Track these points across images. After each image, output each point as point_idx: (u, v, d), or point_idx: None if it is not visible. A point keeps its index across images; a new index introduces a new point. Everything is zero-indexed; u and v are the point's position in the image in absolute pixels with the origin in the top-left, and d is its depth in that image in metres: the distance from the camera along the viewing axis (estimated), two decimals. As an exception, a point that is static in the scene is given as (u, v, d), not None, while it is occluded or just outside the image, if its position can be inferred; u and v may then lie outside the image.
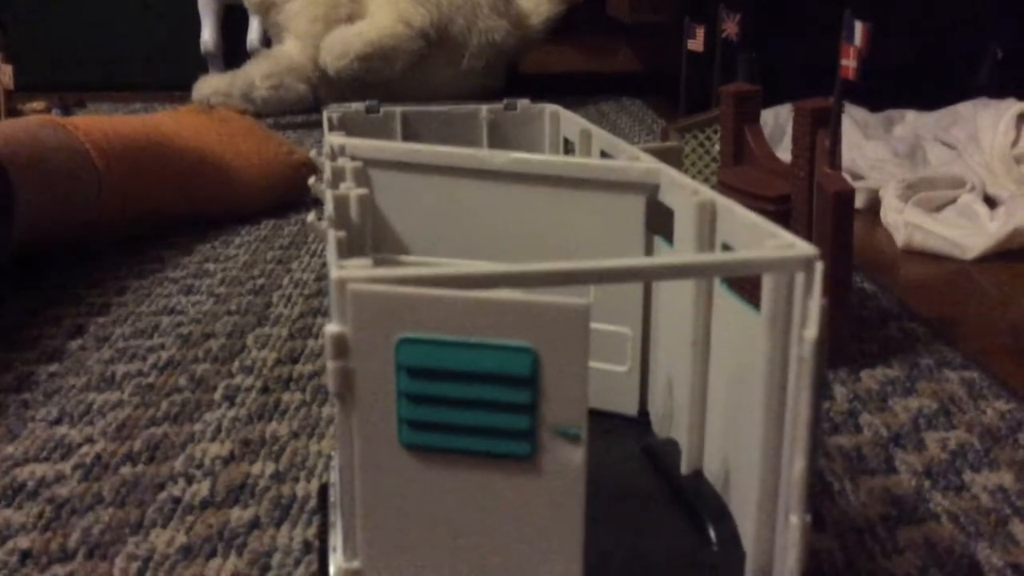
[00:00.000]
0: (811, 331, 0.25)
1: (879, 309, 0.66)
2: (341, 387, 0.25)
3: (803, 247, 0.27)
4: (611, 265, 0.26)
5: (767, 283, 0.28)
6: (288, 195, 0.91)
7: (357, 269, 0.25)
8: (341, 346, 0.25)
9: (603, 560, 0.31)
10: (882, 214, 0.87)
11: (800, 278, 0.27)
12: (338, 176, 0.38)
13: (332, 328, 0.24)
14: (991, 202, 0.87)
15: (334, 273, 0.24)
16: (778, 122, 1.12)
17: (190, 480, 0.46)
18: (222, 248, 0.80)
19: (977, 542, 0.40)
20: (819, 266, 0.26)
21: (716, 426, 0.35)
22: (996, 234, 0.79)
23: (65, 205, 0.73)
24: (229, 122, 0.93)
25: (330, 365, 0.25)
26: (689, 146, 0.73)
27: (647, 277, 0.27)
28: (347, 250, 0.29)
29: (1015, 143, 0.97)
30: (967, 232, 0.80)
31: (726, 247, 0.33)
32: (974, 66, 1.41)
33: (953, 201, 0.88)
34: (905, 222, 0.82)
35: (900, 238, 0.82)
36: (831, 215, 0.53)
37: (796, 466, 0.26)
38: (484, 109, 0.55)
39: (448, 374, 0.24)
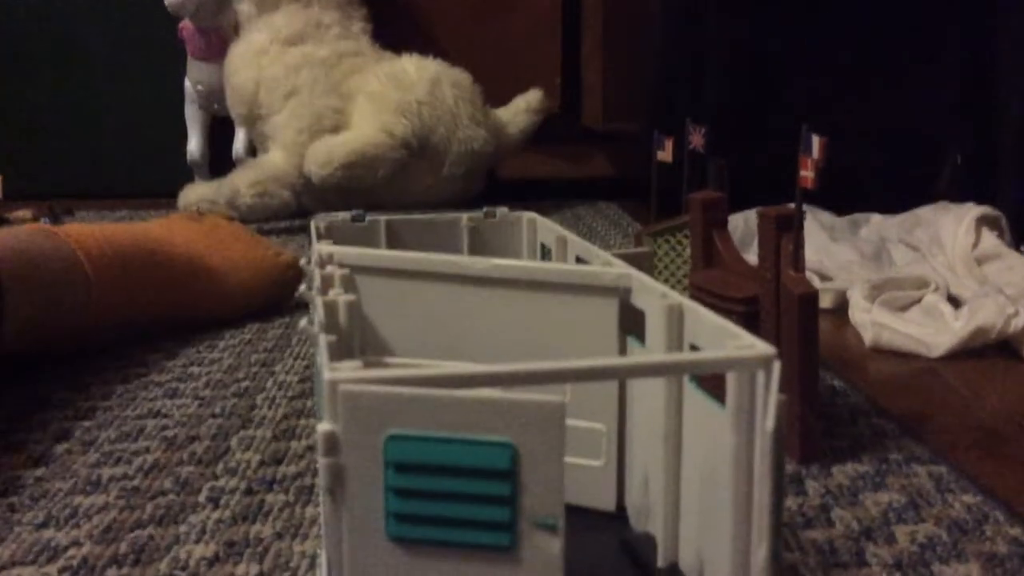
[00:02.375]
0: (770, 422, 0.27)
1: (848, 406, 0.68)
2: (332, 483, 0.26)
3: (762, 347, 0.29)
4: (586, 365, 0.28)
5: (731, 380, 0.30)
6: (274, 297, 0.93)
7: (348, 371, 0.27)
8: (332, 443, 0.26)
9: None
10: (850, 314, 0.90)
11: (761, 375, 0.29)
12: (327, 283, 0.40)
13: (324, 427, 0.26)
14: (955, 301, 0.90)
15: (327, 375, 0.26)
16: (748, 226, 1.16)
17: (175, 582, 0.46)
18: (207, 351, 0.82)
19: (946, 632, 0.41)
20: (776, 364, 0.28)
21: (690, 518, 0.36)
22: (960, 332, 0.81)
23: (55, 312, 0.74)
24: (218, 228, 0.95)
25: (322, 461, 0.26)
26: (661, 250, 0.76)
27: (620, 376, 0.29)
28: (337, 353, 0.31)
29: (975, 245, 1.01)
30: (933, 331, 0.83)
31: (693, 347, 0.35)
32: (935, 171, 1.47)
33: (918, 301, 0.91)
34: (872, 321, 0.85)
35: (868, 337, 0.84)
36: (797, 315, 0.55)
37: (761, 549, 0.28)
38: (465, 217, 0.58)
39: (433, 469, 0.26)
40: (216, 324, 0.88)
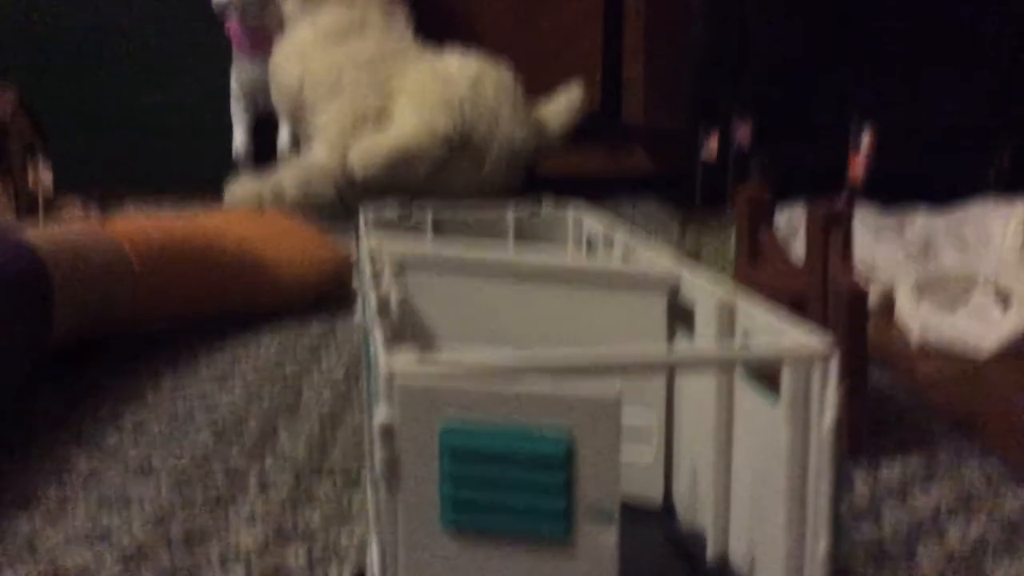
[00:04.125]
0: (829, 417, 0.27)
1: (895, 405, 0.67)
2: (388, 472, 0.27)
3: (819, 340, 0.29)
4: (640, 356, 0.28)
5: (786, 374, 0.30)
6: (331, 292, 0.94)
7: (405, 362, 0.27)
8: (389, 434, 0.27)
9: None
10: (897, 312, 0.89)
11: (817, 370, 0.29)
12: (378, 276, 0.40)
13: (381, 417, 0.26)
14: (1004, 300, 0.89)
15: (384, 367, 0.26)
16: (791, 222, 1.15)
17: (226, 567, 0.47)
18: (254, 342, 0.83)
19: (999, 632, 0.41)
20: (834, 358, 0.28)
21: (740, 513, 0.36)
22: (1009, 331, 0.80)
23: (101, 305, 0.76)
24: (276, 222, 0.96)
25: (378, 453, 0.27)
26: (705, 246, 0.75)
27: (675, 367, 0.29)
28: (392, 345, 0.31)
29: (1025, 243, 0.99)
30: (981, 330, 0.82)
31: (746, 340, 0.35)
32: (983, 166, 1.45)
33: (966, 299, 0.89)
34: (920, 319, 0.84)
35: (915, 335, 0.83)
36: (846, 315, 0.55)
37: (820, 545, 0.28)
38: (510, 212, 0.58)
39: (488, 457, 0.26)
40: (265, 316, 0.89)
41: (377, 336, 0.30)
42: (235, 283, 0.87)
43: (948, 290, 0.90)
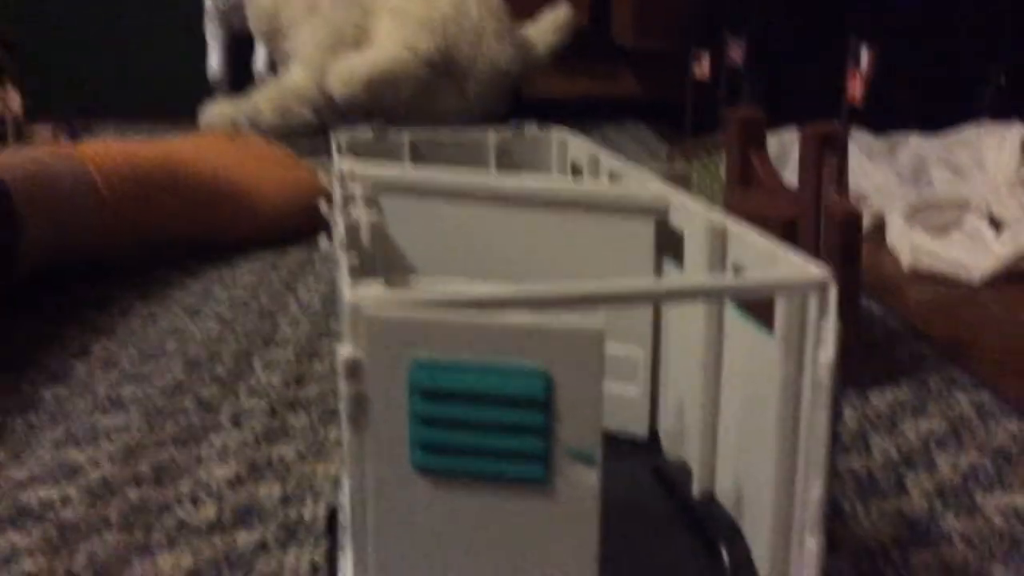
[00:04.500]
0: (827, 353, 0.25)
1: (886, 331, 0.66)
2: (354, 411, 0.25)
3: (816, 269, 0.27)
4: (626, 288, 0.26)
5: (780, 305, 0.28)
6: (309, 219, 0.91)
7: (371, 293, 0.25)
8: (354, 370, 0.25)
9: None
10: (888, 237, 0.87)
11: (813, 300, 0.27)
12: (349, 201, 0.38)
13: (346, 352, 0.24)
14: (996, 224, 0.87)
15: (348, 298, 0.24)
16: (782, 146, 1.13)
17: (197, 503, 0.45)
18: (228, 271, 0.81)
19: (992, 564, 0.40)
20: (833, 288, 0.26)
21: (728, 448, 0.35)
22: (1003, 256, 0.79)
23: (68, 232, 0.73)
24: (251, 148, 0.93)
25: (343, 389, 0.25)
26: (695, 171, 0.73)
27: (662, 299, 0.27)
28: (359, 274, 0.29)
29: (1020, 166, 0.97)
30: (974, 254, 0.80)
31: (737, 269, 0.33)
32: (978, 90, 1.42)
33: (959, 223, 0.88)
34: (911, 244, 0.82)
35: (906, 260, 0.82)
36: (839, 239, 0.53)
37: (813, 489, 0.26)
38: (492, 134, 0.55)
39: (461, 396, 0.24)
40: (241, 245, 0.87)
41: (343, 265, 0.28)
42: (208, 210, 0.85)
43: (941, 215, 0.88)
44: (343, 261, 0.28)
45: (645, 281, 0.26)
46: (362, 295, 0.24)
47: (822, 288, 0.26)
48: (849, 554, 0.40)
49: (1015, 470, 0.47)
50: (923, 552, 0.41)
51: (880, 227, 0.90)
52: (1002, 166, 0.98)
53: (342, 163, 0.43)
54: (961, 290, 0.76)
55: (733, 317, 0.33)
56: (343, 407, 0.25)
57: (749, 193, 0.63)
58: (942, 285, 0.77)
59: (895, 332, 0.65)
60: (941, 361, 0.60)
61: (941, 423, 0.52)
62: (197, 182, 0.84)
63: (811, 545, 0.27)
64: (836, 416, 0.25)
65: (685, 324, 0.37)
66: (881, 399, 0.55)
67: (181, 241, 0.84)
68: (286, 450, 0.50)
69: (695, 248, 0.35)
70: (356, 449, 0.25)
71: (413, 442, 0.25)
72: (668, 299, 0.27)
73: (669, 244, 0.39)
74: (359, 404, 0.25)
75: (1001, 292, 0.75)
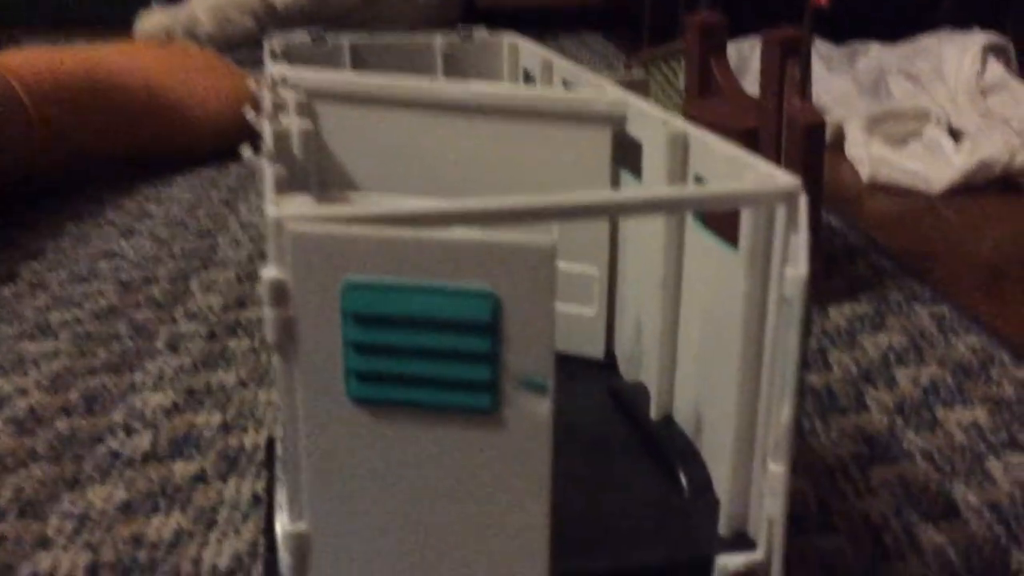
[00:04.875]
0: (800, 268, 0.23)
1: (846, 245, 0.64)
2: (281, 337, 0.23)
3: (785, 179, 0.25)
4: (579, 200, 0.23)
5: (746, 218, 0.26)
6: (247, 134, 0.87)
7: (297, 207, 0.22)
8: (280, 292, 0.22)
9: (569, 510, 0.29)
10: (847, 148, 0.85)
11: (782, 212, 0.25)
12: (279, 108, 0.35)
13: (269, 273, 0.22)
14: (956, 135, 0.86)
15: (271, 211, 0.22)
16: (740, 55, 1.10)
17: (130, 433, 0.43)
18: (165, 188, 0.77)
19: (953, 481, 0.39)
20: (803, 198, 0.24)
21: (687, 369, 0.33)
22: (962, 167, 0.78)
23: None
24: (186, 56, 0.88)
25: (268, 314, 0.22)
26: (653, 79, 0.70)
27: (619, 212, 0.25)
28: (287, 188, 0.27)
29: (980, 75, 0.96)
30: (933, 165, 0.79)
31: (699, 181, 0.30)
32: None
33: (918, 134, 0.86)
34: (870, 156, 0.81)
35: (865, 172, 0.80)
36: (801, 148, 0.51)
37: (784, 413, 0.24)
38: (438, 39, 0.52)
39: (400, 321, 0.22)
40: (178, 160, 0.83)
41: (267, 176, 0.25)
42: (142, 123, 0.80)
43: (900, 126, 0.87)
44: (268, 172, 0.25)
45: (601, 193, 0.24)
46: (287, 210, 0.22)
47: (791, 199, 0.24)
48: (808, 472, 0.39)
49: (975, 385, 0.47)
50: (883, 469, 0.40)
51: (839, 139, 0.88)
52: (962, 76, 0.97)
53: (273, 68, 0.39)
54: (920, 202, 0.75)
55: (694, 232, 0.31)
56: (269, 334, 0.22)
57: (709, 102, 0.61)
58: (901, 197, 0.76)
59: (854, 245, 0.64)
60: (901, 275, 0.59)
61: (901, 338, 0.51)
62: (129, 94, 0.79)
63: (779, 471, 0.25)
64: (806, 335, 0.23)
65: (643, 241, 0.35)
66: (840, 314, 0.54)
67: (113, 157, 0.80)
68: (226, 376, 0.48)
69: (654, 158, 0.33)
70: (286, 380, 0.23)
71: (348, 371, 0.23)
72: (626, 212, 0.25)
73: (627, 157, 0.37)
74: (287, 330, 0.23)
75: (960, 204, 0.74)
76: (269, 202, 0.23)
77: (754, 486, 0.28)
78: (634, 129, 0.35)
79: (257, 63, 1.29)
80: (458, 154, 0.40)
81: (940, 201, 0.75)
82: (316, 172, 0.36)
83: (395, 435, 0.23)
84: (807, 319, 0.23)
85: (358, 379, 0.23)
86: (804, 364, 0.24)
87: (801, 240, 0.23)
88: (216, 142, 0.84)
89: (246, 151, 0.28)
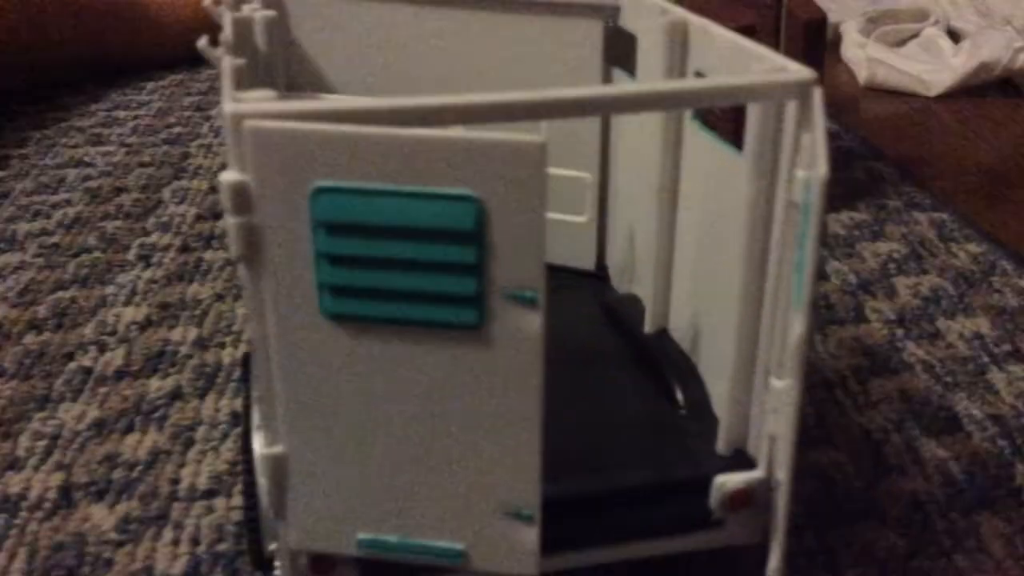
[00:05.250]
0: (820, 169, 0.21)
1: (843, 149, 0.62)
2: (246, 248, 0.21)
3: (798, 70, 0.23)
4: (573, 95, 0.21)
5: (753, 115, 0.24)
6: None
7: (257, 103, 0.20)
8: (242, 198, 0.20)
9: (561, 429, 0.28)
10: (843, 50, 0.82)
11: (792, 107, 0.23)
12: (244, -2, 0.32)
13: (229, 176, 0.20)
14: (955, 36, 0.83)
15: (228, 107, 0.19)
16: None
17: (103, 348, 0.41)
18: (133, 94, 0.73)
19: (955, 392, 0.38)
20: (818, 92, 0.22)
21: (684, 281, 0.31)
22: (961, 69, 0.75)
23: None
24: None
25: (230, 221, 0.20)
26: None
27: (616, 108, 0.23)
28: (250, 82, 0.24)
29: (981, -27, 0.92)
30: (931, 67, 0.76)
31: (699, 76, 0.28)
32: None
33: (916, 35, 0.83)
34: (868, 57, 0.78)
35: (862, 75, 0.77)
36: (802, 43, 0.48)
37: (796, 327, 0.23)
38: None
39: (376, 230, 0.20)
40: (147, 65, 0.79)
41: (225, 68, 0.23)
42: (108, 27, 0.76)
43: (898, 28, 0.83)
44: (225, 64, 0.23)
45: (597, 88, 0.22)
46: (246, 105, 0.20)
47: (804, 92, 0.22)
48: (807, 385, 0.38)
49: (977, 293, 0.45)
50: (883, 381, 0.38)
51: (835, 40, 0.85)
52: (963, -27, 0.93)
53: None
54: (918, 105, 0.73)
55: (693, 133, 0.29)
56: (232, 245, 0.20)
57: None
58: (899, 100, 0.74)
59: (851, 150, 0.62)
60: (900, 180, 0.57)
61: (900, 246, 0.50)
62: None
63: (786, 385, 0.24)
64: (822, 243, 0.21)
65: (637, 143, 0.33)
66: (838, 222, 0.52)
67: (79, 62, 0.76)
68: (201, 290, 0.46)
69: (651, 51, 0.31)
70: (253, 295, 0.21)
71: (321, 285, 0.21)
72: (623, 108, 0.23)
73: (620, 54, 0.34)
74: (251, 240, 0.21)
75: (959, 107, 0.72)
76: (226, 97, 0.20)
77: (754, 402, 0.27)
78: (628, 20, 0.33)
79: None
80: (438, 50, 0.37)
81: (938, 103, 0.72)
82: (284, 69, 0.33)
83: (374, 353, 0.22)
84: (824, 226, 0.21)
85: (332, 293, 0.21)
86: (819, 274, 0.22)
87: (818, 137, 0.21)
88: (186, 45, 0.80)
89: (202, 41, 0.26)
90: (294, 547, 0.24)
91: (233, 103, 0.20)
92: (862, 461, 0.34)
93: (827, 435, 0.35)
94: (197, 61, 0.80)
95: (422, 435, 0.22)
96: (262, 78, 0.28)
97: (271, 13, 0.29)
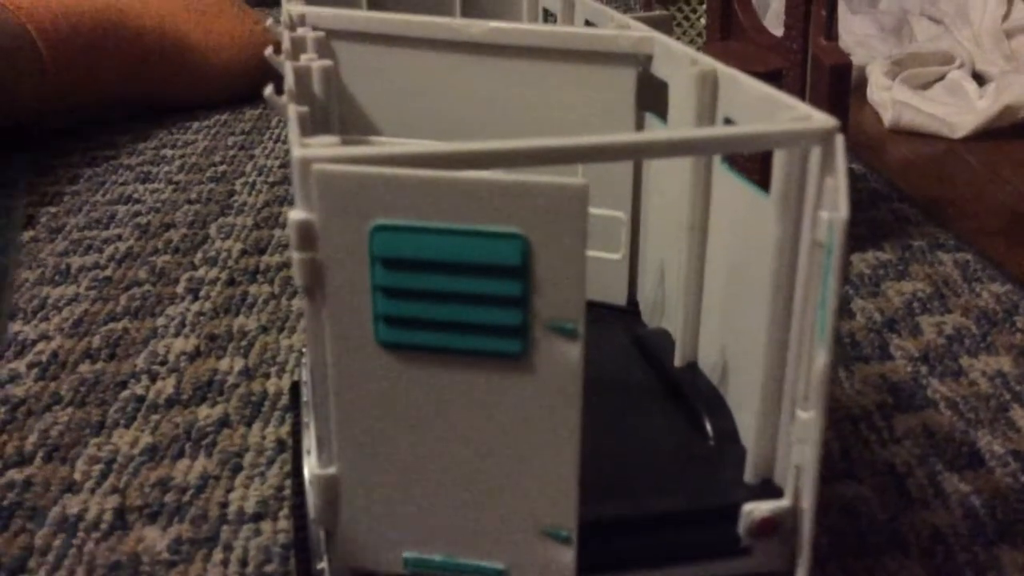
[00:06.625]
0: (842, 211, 0.22)
1: (868, 190, 0.64)
2: (309, 280, 0.22)
3: (822, 118, 0.24)
4: (610, 141, 0.23)
5: (779, 160, 0.25)
6: (265, 78, 0.85)
7: (323, 147, 0.22)
8: (307, 235, 0.22)
9: (596, 456, 0.29)
10: (869, 92, 0.84)
11: (816, 153, 0.24)
12: (298, 47, 0.34)
13: (297, 215, 0.22)
14: (980, 79, 0.84)
15: (297, 152, 0.21)
16: (761, -3, 1.07)
17: (154, 377, 0.43)
18: (180, 133, 0.76)
19: (977, 429, 0.39)
20: (840, 139, 0.24)
21: (712, 316, 0.33)
22: (986, 112, 0.76)
23: (7, 95, 0.68)
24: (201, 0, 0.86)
25: (296, 256, 0.22)
26: (673, 19, 0.69)
27: (650, 154, 0.24)
28: (311, 128, 0.26)
29: (1005, 17, 0.94)
30: (956, 110, 0.77)
31: (729, 122, 0.30)
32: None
33: (942, 78, 0.85)
34: (893, 100, 0.79)
35: (888, 117, 0.79)
36: (827, 89, 0.50)
37: (819, 360, 0.24)
38: (457, -24, 0.51)
39: (429, 265, 0.22)
40: (192, 104, 0.82)
41: (291, 115, 0.25)
42: (156, 67, 0.79)
43: (924, 70, 0.85)
44: (292, 112, 0.25)
45: (633, 135, 0.24)
46: (314, 150, 0.21)
47: (828, 140, 0.24)
48: (832, 421, 0.39)
49: (1000, 333, 0.46)
50: (908, 418, 0.40)
51: (861, 83, 0.87)
52: (986, 18, 0.95)
53: (291, 6, 0.39)
54: (943, 147, 0.74)
55: (722, 174, 0.30)
56: (297, 277, 0.22)
57: (730, 43, 0.59)
58: (924, 142, 0.75)
59: (877, 191, 0.63)
60: (924, 221, 0.59)
61: (924, 285, 0.51)
62: (142, 37, 0.78)
63: (810, 417, 0.25)
64: (843, 281, 0.23)
65: (668, 184, 0.34)
66: (863, 261, 0.54)
67: (128, 101, 0.79)
68: (247, 322, 0.48)
69: (681, 99, 0.32)
70: (314, 324, 0.23)
71: (377, 316, 0.23)
72: (657, 154, 0.25)
73: (652, 99, 0.36)
74: (314, 274, 0.22)
75: (984, 149, 0.73)
76: (295, 143, 0.22)
77: (781, 434, 0.28)
78: (660, 68, 0.35)
79: (272, 2, 1.27)
80: (477, 96, 0.39)
81: (963, 146, 0.74)
82: (338, 113, 0.35)
83: (424, 380, 0.23)
84: (846, 267, 0.22)
85: (386, 323, 0.23)
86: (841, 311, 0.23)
87: (840, 182, 0.23)
88: (230, 86, 0.83)
89: (268, 89, 0.28)
90: (343, 564, 0.25)
91: (301, 148, 0.21)
92: (886, 494, 0.35)
93: (852, 469, 0.37)
94: (239, 101, 0.83)
95: (467, 457, 0.24)
96: (319, 124, 0.30)
97: (328, 63, 0.31)
